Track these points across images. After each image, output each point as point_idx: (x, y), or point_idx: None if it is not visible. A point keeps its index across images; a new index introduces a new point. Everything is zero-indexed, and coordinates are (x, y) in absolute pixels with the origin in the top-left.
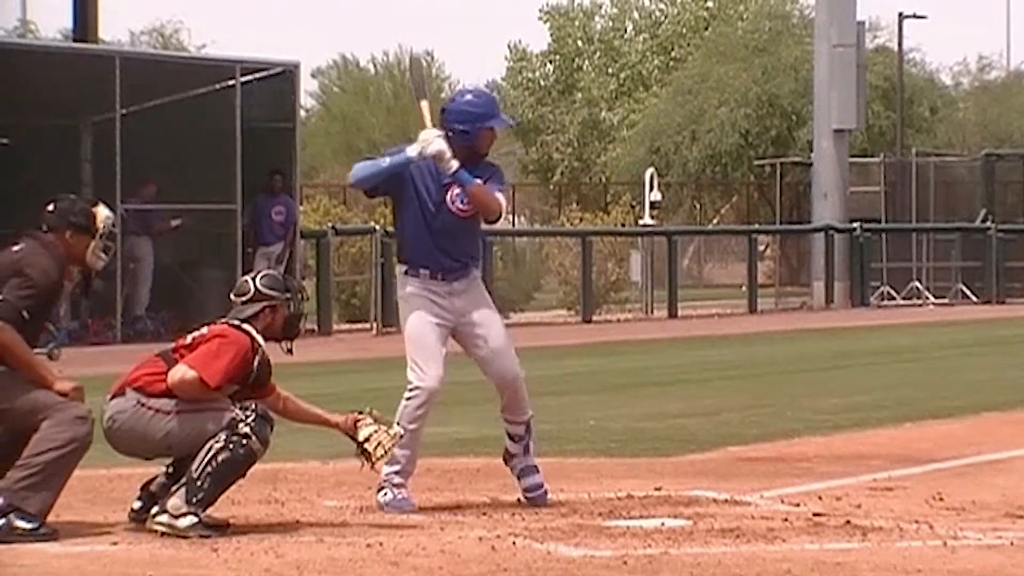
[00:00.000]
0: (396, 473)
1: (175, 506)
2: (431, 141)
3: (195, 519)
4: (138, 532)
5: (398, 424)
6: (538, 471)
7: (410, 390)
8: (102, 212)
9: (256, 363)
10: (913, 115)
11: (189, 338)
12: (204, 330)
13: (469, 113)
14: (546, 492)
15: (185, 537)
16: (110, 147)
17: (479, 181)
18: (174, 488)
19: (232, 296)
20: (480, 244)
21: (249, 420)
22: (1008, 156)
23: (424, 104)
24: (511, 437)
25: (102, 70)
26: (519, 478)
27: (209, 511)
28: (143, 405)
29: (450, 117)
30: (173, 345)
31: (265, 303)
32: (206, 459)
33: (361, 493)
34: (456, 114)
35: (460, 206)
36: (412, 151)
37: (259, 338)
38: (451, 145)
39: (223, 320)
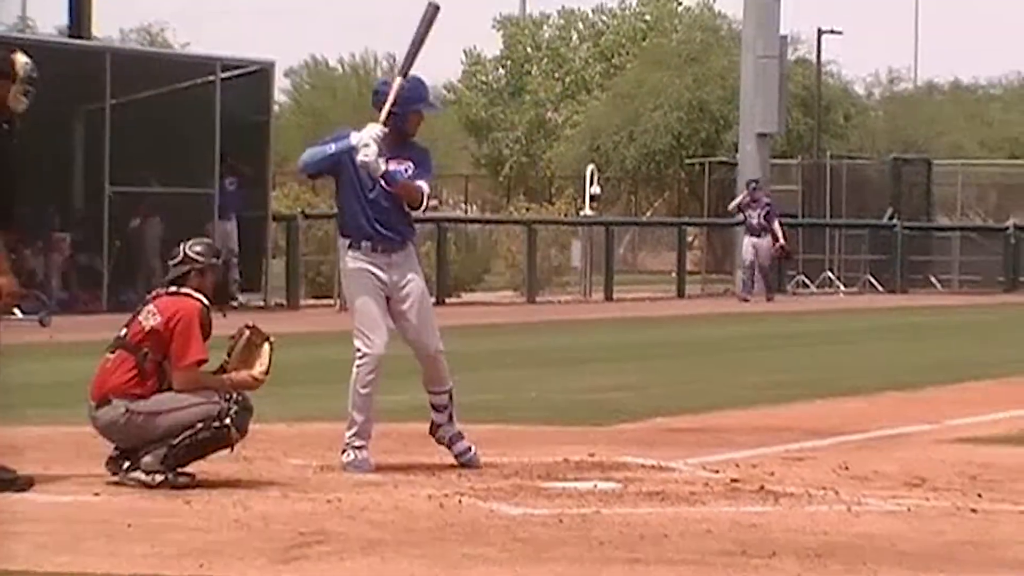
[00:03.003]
0: (355, 435)
1: (148, 464)
2: (367, 147)
3: (164, 477)
4: (119, 485)
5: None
6: (463, 436)
7: (359, 357)
8: (21, 59)
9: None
10: (829, 121)
11: (146, 323)
12: (152, 311)
13: (399, 96)
14: (476, 453)
15: (155, 488)
16: (100, 134)
17: (403, 179)
18: (150, 447)
19: (168, 261)
20: (412, 219)
21: (232, 412)
22: (913, 160)
23: (398, 82)
24: (436, 408)
25: (94, 64)
26: (449, 445)
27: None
28: (132, 412)
29: (381, 100)
30: (124, 332)
31: (191, 266)
32: (188, 435)
33: (323, 453)
34: (384, 96)
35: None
36: (354, 140)
37: (202, 297)
38: (384, 128)
39: (162, 290)
